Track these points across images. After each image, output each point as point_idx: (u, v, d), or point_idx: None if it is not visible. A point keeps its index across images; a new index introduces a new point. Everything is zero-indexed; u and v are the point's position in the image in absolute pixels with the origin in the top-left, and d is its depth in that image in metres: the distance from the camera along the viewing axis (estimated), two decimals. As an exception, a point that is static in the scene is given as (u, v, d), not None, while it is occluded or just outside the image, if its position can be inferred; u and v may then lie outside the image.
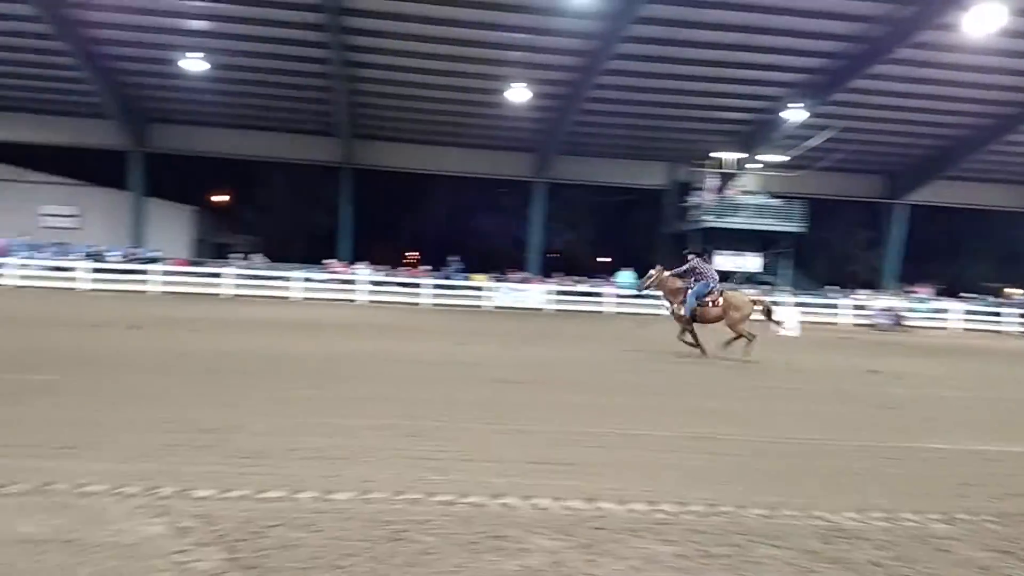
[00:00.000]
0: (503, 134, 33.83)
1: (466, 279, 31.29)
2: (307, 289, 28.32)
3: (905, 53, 26.84)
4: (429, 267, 32.87)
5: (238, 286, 27.80)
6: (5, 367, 8.51)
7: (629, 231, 48.36)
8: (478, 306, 28.60)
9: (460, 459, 5.42)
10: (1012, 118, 31.31)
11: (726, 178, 33.54)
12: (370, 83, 29.62)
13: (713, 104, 31.41)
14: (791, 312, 23.87)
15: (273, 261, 33.37)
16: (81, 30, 25.94)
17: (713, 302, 13.65)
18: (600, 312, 29.02)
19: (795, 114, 30.14)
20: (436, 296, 28.91)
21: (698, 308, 13.64)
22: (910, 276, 36.12)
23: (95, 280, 26.60)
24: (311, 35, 25.99)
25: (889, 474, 5.65)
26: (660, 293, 14.76)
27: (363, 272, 30.04)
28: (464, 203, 49.47)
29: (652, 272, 14.76)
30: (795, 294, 31.24)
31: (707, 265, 14.56)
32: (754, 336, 13.46)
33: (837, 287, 34.24)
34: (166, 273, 27.90)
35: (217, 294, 26.94)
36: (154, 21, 25.90)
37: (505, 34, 26.47)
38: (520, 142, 34.58)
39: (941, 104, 30.72)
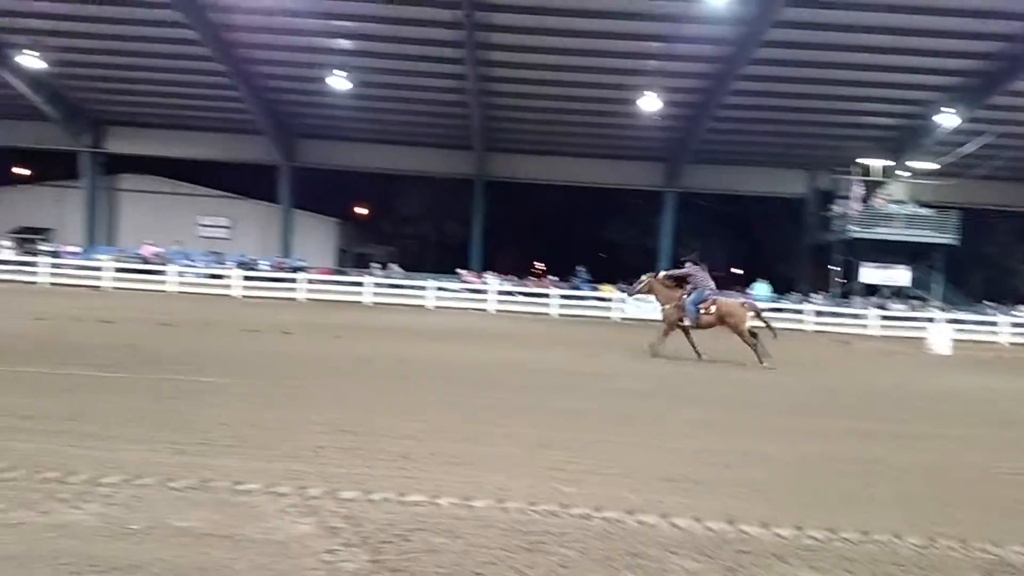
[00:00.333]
0: (634, 143, 33.55)
1: (593, 290, 31.17)
2: (439, 298, 29.04)
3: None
4: (555, 277, 32.99)
5: (376, 294, 28.89)
6: (170, 368, 9.23)
7: (765, 242, 46.75)
8: (606, 317, 28.41)
9: (593, 472, 5.41)
10: None
11: (872, 186, 31.80)
12: (504, 97, 30.13)
13: (858, 109, 29.89)
14: (943, 329, 22.32)
15: (408, 271, 34.51)
16: (237, 52, 27.83)
17: (707, 310, 14.14)
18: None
19: (947, 119, 28.19)
20: (564, 306, 28.96)
21: (698, 315, 14.14)
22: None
23: (246, 287, 28.36)
24: (448, 52, 26.75)
25: (1062, 509, 5.19)
26: (652, 298, 15.36)
27: (492, 282, 30.52)
28: (592, 213, 49.42)
29: (644, 277, 15.45)
30: (947, 310, 29.19)
31: (703, 273, 14.79)
32: (756, 339, 13.98)
33: (994, 303, 31.70)
34: (311, 281, 29.38)
35: (358, 302, 28.10)
36: (303, 42, 27.42)
37: (639, 43, 26.28)
38: (651, 151, 34.17)
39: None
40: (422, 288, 29.37)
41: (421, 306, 28.15)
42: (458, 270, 32.65)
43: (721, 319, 14.15)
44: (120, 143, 34.65)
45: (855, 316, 28.78)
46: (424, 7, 24.59)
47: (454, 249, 44.86)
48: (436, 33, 25.91)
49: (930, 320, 26.53)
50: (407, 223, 49.28)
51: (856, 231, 30.70)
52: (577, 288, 31.05)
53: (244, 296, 27.37)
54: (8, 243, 31.34)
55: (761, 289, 31.08)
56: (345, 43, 27.25)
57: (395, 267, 33.90)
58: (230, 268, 29.64)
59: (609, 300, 29.44)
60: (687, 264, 14.94)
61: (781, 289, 32.70)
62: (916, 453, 6.70)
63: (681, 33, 25.42)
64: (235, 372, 9.20)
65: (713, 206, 43.15)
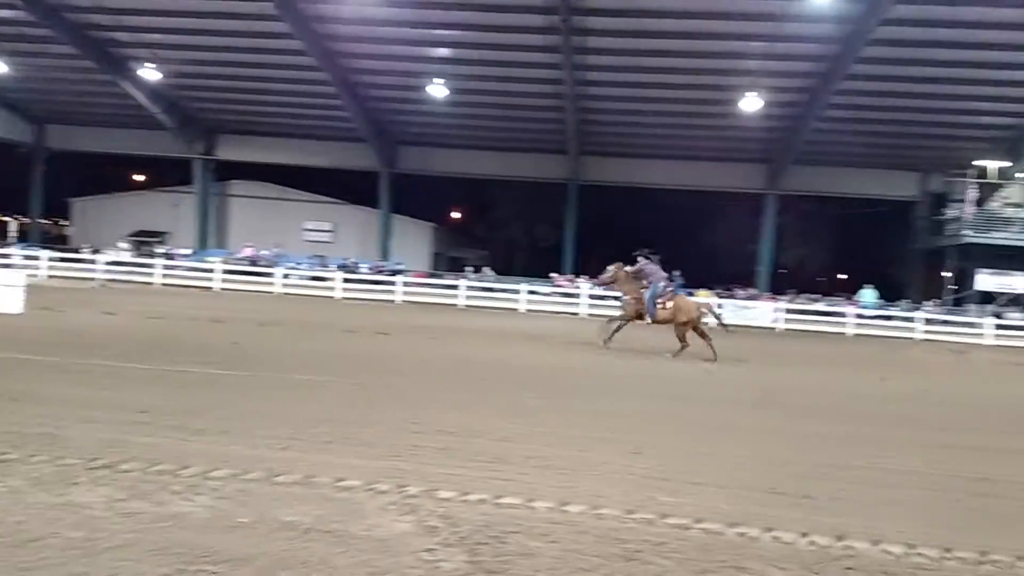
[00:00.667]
0: (733, 145, 32.75)
1: (689, 295, 30.57)
2: (531, 301, 29.10)
3: None
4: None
5: (470, 297, 29.21)
6: (274, 367, 9.58)
7: (872, 246, 44.84)
8: (704, 324, 27.76)
9: (690, 481, 5.29)
10: None
11: (989, 189, 30.02)
12: (599, 100, 29.96)
13: (972, 108, 28.28)
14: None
15: (500, 274, 34.74)
16: (340, 62, 28.72)
17: (663, 305, 14.27)
18: (840, 334, 27.03)
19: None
20: (658, 311, 28.49)
21: (655, 309, 14.26)
22: None
23: (346, 289, 29.17)
24: (544, 57, 26.82)
25: None
26: (619, 290, 15.40)
27: (585, 286, 30.36)
28: (688, 216, 48.56)
29: (611, 268, 15.42)
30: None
31: (655, 267, 14.85)
32: (688, 346, 14.15)
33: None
34: (407, 284, 29.98)
35: (453, 305, 28.48)
36: (403, 51, 28.06)
37: (739, 43, 25.66)
38: (751, 153, 33.27)
39: None
40: (514, 291, 29.51)
41: (513, 309, 28.27)
42: (551, 274, 32.66)
43: (675, 315, 14.33)
44: (230, 150, 36.32)
45: (969, 325, 27.20)
46: (521, 14, 24.74)
47: (546, 253, 44.89)
48: (532, 39, 26.01)
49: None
50: (500, 227, 49.70)
51: (971, 236, 29.02)
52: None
53: (344, 298, 28.14)
54: (126, 245, 33.29)
55: (868, 296, 29.79)
56: (443, 51, 27.73)
57: (488, 271, 34.21)
58: (332, 271, 30.58)
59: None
60: (640, 259, 14.99)
61: (890, 296, 31.25)
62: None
63: (784, 32, 24.66)
64: (335, 371, 9.47)
65: (817, 209, 41.73)
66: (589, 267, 35.70)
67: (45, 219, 43.91)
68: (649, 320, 14.41)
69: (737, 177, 34.57)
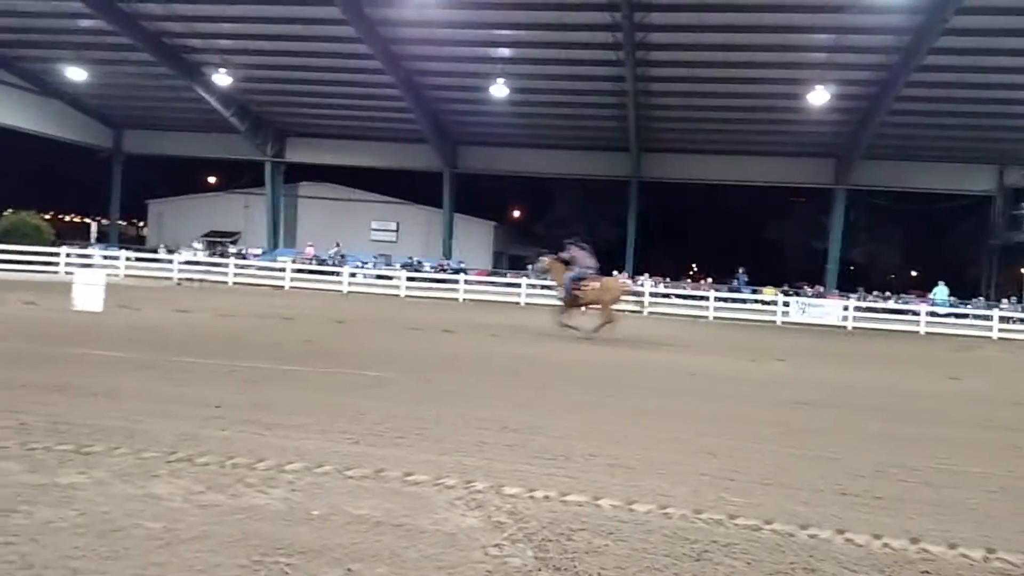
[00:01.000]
0: (800, 139, 32.05)
1: (754, 292, 30.04)
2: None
3: None
4: (711, 279, 32.06)
5: (530, 295, 29.26)
6: (343, 363, 9.78)
7: (945, 242, 43.35)
8: (767, 321, 27.27)
9: (760, 482, 5.20)
10: None
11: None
12: (662, 96, 29.70)
13: (1054, 100, 27.08)
14: None
15: (562, 272, 34.65)
16: (404, 64, 29.13)
17: (588, 287, 15.18)
18: (912, 332, 26.19)
19: None
20: (721, 309, 28.08)
21: (575, 292, 15.19)
22: None
23: (410, 288, 29.58)
24: (605, 54, 26.69)
25: None
26: (553, 280, 16.44)
27: (647, 284, 30.09)
28: (753, 213, 47.72)
29: (545, 259, 16.79)
30: None
31: (584, 253, 15.75)
32: (617, 320, 15.19)
33: None
34: (469, 282, 30.21)
35: (514, 303, 28.57)
36: (465, 52, 28.32)
37: (806, 36, 25.09)
38: (818, 147, 32.51)
39: None
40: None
41: (576, 308, 28.17)
42: (613, 272, 32.47)
43: (598, 296, 15.24)
44: (299, 153, 37.21)
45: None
46: (582, 11, 24.67)
47: (607, 251, 44.68)
48: (594, 37, 25.92)
49: None
50: (560, 225, 49.58)
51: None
52: (737, 290, 30.03)
53: (408, 296, 28.52)
54: (200, 245, 34.39)
55: (941, 293, 28.80)
56: (505, 51, 27.85)
57: (550, 269, 34.17)
58: (396, 269, 31.03)
59: (772, 303, 28.26)
60: (571, 247, 15.94)
61: (963, 294, 30.13)
62: None
63: (854, 24, 24.03)
64: (401, 368, 9.61)
65: (887, 204, 40.48)
66: (651, 265, 35.50)
67: (123, 220, 45.72)
68: (565, 298, 15.46)
69: (804, 172, 33.82)
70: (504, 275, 33.66)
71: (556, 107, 31.39)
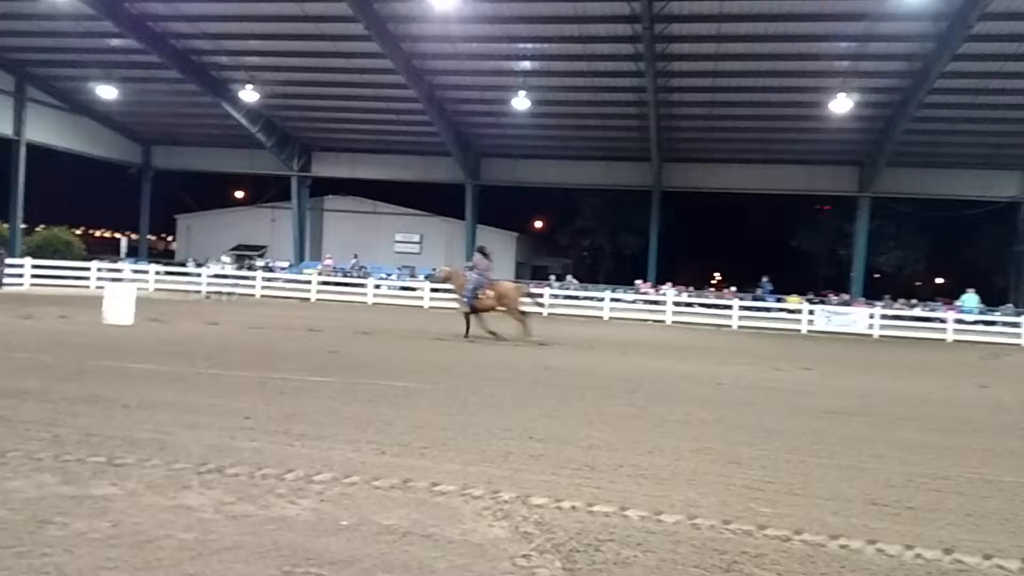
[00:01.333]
0: (823, 147, 31.82)
1: (778, 301, 29.79)
2: (615, 309, 28.90)
3: None
4: (734, 288, 31.86)
5: (553, 305, 29.21)
6: (369, 373, 9.84)
7: (971, 249, 42.77)
8: (792, 330, 27.01)
9: (789, 492, 5.17)
10: None
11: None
12: (683, 106, 29.64)
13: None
14: None
15: (583, 282, 34.65)
16: (427, 78, 29.33)
17: (484, 294, 15.87)
18: (939, 340, 25.82)
19: None
20: (745, 318, 27.86)
21: (475, 299, 15.87)
22: None
23: (434, 299, 29.62)
24: (627, 65, 26.70)
25: None
26: (452, 288, 17.09)
27: (670, 293, 29.96)
28: (776, 221, 47.40)
29: (444, 268, 18.12)
30: None
31: (486, 261, 16.54)
32: (526, 324, 15.97)
33: None
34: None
35: (537, 313, 28.48)
36: (486, 66, 28.46)
37: (828, 44, 24.93)
38: (842, 155, 32.25)
39: None
40: (599, 299, 29.37)
41: (598, 317, 28.13)
42: (636, 281, 32.39)
43: (498, 301, 15.95)
44: (325, 167, 37.57)
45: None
46: (604, 24, 24.71)
47: (630, 260, 44.63)
48: (615, 48, 25.96)
49: None
50: (583, 235, 49.67)
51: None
52: (761, 299, 29.80)
53: (431, 307, 28.60)
54: (227, 259, 34.78)
55: (970, 301, 28.35)
56: (526, 64, 27.96)
57: (571, 279, 34.18)
58: (420, 281, 31.18)
59: (797, 312, 27.99)
60: (475, 256, 16.91)
61: (991, 301, 29.67)
62: None
63: (876, 31, 23.84)
64: (426, 378, 9.66)
65: (912, 211, 40.06)
66: (675, 274, 35.34)
67: (152, 235, 46.39)
68: (467, 307, 16.06)
69: (827, 180, 33.57)
70: (527, 286, 33.62)
71: (578, 118, 31.43)
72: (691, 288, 32.45)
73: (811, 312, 27.75)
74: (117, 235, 49.07)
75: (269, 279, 31.32)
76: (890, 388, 11.70)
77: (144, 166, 38.61)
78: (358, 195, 42.07)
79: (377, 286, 30.48)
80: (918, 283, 48.98)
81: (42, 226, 38.74)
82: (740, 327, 27.22)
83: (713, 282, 49.77)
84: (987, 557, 4.03)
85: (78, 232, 46.09)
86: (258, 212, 42.97)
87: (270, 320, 18.25)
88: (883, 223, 39.85)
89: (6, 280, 26.81)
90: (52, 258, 30.98)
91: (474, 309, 16.07)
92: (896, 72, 26.05)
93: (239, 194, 48.95)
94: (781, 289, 31.38)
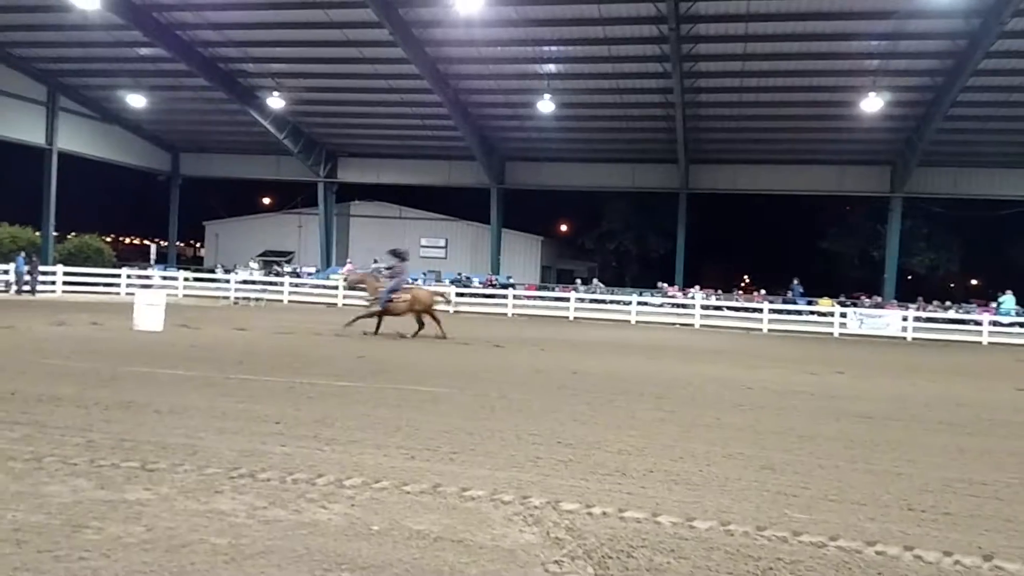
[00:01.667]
0: (853, 147, 31.41)
1: (809, 303, 29.44)
2: (642, 312, 28.75)
3: None
4: (763, 290, 31.55)
5: (579, 309, 29.17)
6: (396, 378, 9.86)
7: (1007, 249, 42.00)
8: (824, 333, 26.68)
9: (824, 498, 5.09)
10: None
11: None
12: (710, 107, 29.44)
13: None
14: None
15: (610, 285, 34.52)
16: (452, 83, 29.43)
17: (399, 298, 16.48)
18: (975, 343, 25.37)
19: None
20: (775, 321, 27.57)
21: (390, 302, 16.39)
22: None
23: (459, 303, 29.60)
24: (653, 67, 26.58)
25: None
26: (365, 291, 17.51)
27: (698, 296, 29.74)
28: (807, 222, 46.94)
29: (355, 272, 18.68)
30: None
31: (403, 264, 17.09)
32: (423, 327, 16.54)
33: None
34: (518, 297, 30.24)
35: (563, 317, 28.50)
36: (511, 70, 28.46)
37: (858, 43, 24.61)
38: (873, 155, 31.82)
39: None
40: (625, 303, 29.24)
41: (625, 321, 28.01)
42: (662, 284, 32.20)
43: (411, 305, 16.55)
44: (351, 173, 37.81)
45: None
46: (629, 25, 24.62)
47: (657, 263, 44.44)
48: (641, 49, 25.84)
49: None
50: (609, 238, 49.50)
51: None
52: (792, 302, 29.48)
53: (457, 311, 28.65)
54: (255, 265, 35.12)
55: (1008, 302, 27.81)
56: (551, 67, 27.91)
57: (597, 282, 34.07)
58: (446, 285, 31.24)
59: (829, 315, 27.65)
60: (392, 259, 17.28)
61: (1027, 303, 29.10)
62: None
63: (907, 30, 23.49)
64: (453, 382, 9.66)
65: (945, 211, 39.42)
66: (702, 277, 35.09)
67: (181, 242, 47.01)
68: (381, 308, 16.47)
69: (858, 181, 33.12)
70: (552, 289, 33.59)
71: (603, 121, 31.34)
72: (719, 291, 32.19)
73: (843, 315, 27.39)
74: (146, 242, 49.83)
75: (297, 285, 31.55)
76: (925, 392, 11.51)
77: (173, 173, 39.11)
78: (383, 200, 42.31)
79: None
80: (952, 284, 48.23)
81: (73, 234, 39.42)
82: (770, 330, 26.94)
83: (742, 285, 49.42)
84: (1029, 564, 3.94)
85: (108, 239, 46.85)
86: (285, 218, 43.35)
87: (297, 325, 18.38)
88: (915, 223, 39.28)
89: (39, 287, 27.28)
90: (83, 265, 31.49)
91: (387, 311, 16.52)
92: (928, 70, 25.68)
93: (266, 200, 49.42)
94: (811, 291, 31.04)
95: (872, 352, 20.05)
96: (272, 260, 39.06)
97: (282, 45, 28.29)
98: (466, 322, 24.02)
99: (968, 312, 28.61)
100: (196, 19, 26.72)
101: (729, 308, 29.33)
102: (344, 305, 27.72)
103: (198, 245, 55.43)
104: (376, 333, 16.44)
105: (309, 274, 34.19)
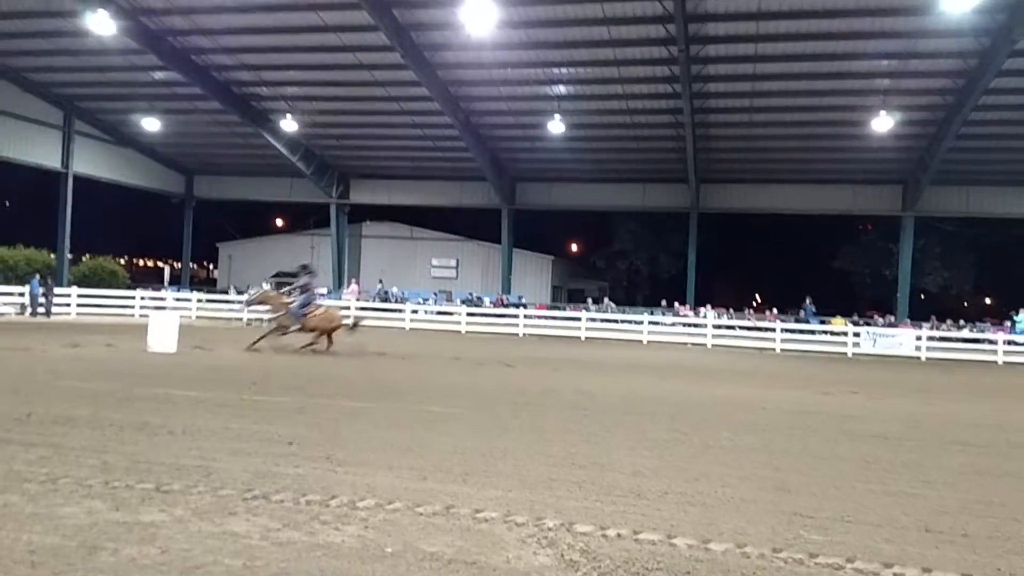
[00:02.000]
0: (865, 166, 31.36)
1: (822, 323, 29.28)
2: (654, 332, 28.67)
3: None
4: (775, 309, 31.42)
5: (591, 329, 29.12)
6: (408, 398, 9.87)
7: (1022, 268, 41.71)
8: (838, 353, 26.51)
9: (840, 519, 5.05)
10: None
11: None
12: (720, 127, 29.50)
13: None
14: None
15: (621, 305, 34.45)
16: (463, 104, 29.64)
17: (313, 314, 16.81)
18: (990, 362, 25.14)
19: None
20: (788, 341, 27.42)
21: (304, 317, 16.67)
22: None
23: (470, 323, 29.73)
24: (662, 87, 26.70)
25: None
26: (266, 307, 17.72)
27: (710, 315, 29.64)
28: (818, 241, 46.80)
29: (258, 289, 19.10)
30: None
31: (313, 281, 17.65)
32: (330, 343, 16.87)
33: None
34: (529, 317, 30.23)
35: (575, 337, 28.45)
36: (521, 91, 28.63)
37: (868, 63, 24.64)
38: (885, 174, 31.76)
39: None
40: (637, 322, 29.18)
41: (637, 340, 27.93)
42: (675, 303, 32.12)
43: (320, 323, 16.83)
44: (363, 194, 38.03)
45: None
46: (639, 47, 24.75)
47: (668, 282, 44.34)
48: (651, 71, 25.95)
49: None
50: (620, 257, 49.51)
51: None
52: (804, 321, 29.33)
53: (468, 331, 28.66)
54: (267, 286, 35.24)
55: (1023, 321, 27.55)
56: (561, 88, 28.08)
57: (608, 302, 34.04)
58: (458, 305, 31.28)
59: (842, 334, 27.48)
60: (302, 276, 17.61)
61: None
62: None
63: (918, 49, 23.52)
64: (465, 403, 9.65)
65: (958, 230, 39.30)
66: (714, 296, 35.02)
67: (194, 263, 47.32)
68: (296, 327, 16.69)
69: (870, 200, 33.03)
70: (563, 309, 33.57)
71: (614, 141, 31.45)
72: (731, 310, 32.08)
73: (856, 334, 27.22)
74: (160, 264, 50.15)
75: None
76: (940, 412, 11.41)
77: (186, 196, 39.45)
78: (395, 221, 42.51)
79: (414, 311, 30.63)
80: (965, 303, 47.90)
81: (88, 256, 39.74)
82: (783, 350, 26.80)
83: (754, 304, 49.23)
84: (1051, 588, 3.89)
85: (122, 261, 47.19)
86: (298, 239, 43.61)
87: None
88: (928, 242, 39.12)
89: (54, 309, 27.49)
90: (98, 287, 31.71)
91: (303, 327, 16.73)
92: (938, 89, 25.66)
93: (279, 222, 49.77)
94: (824, 310, 30.89)
95: (886, 372, 19.90)
96: (285, 281, 39.22)
97: (295, 69, 28.59)
98: (477, 342, 24.02)
99: (982, 331, 28.38)
100: (210, 44, 27.06)
101: (741, 327, 29.20)
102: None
103: (211, 267, 55.75)
104: (256, 345, 16.54)
105: (321, 295, 34.26)
